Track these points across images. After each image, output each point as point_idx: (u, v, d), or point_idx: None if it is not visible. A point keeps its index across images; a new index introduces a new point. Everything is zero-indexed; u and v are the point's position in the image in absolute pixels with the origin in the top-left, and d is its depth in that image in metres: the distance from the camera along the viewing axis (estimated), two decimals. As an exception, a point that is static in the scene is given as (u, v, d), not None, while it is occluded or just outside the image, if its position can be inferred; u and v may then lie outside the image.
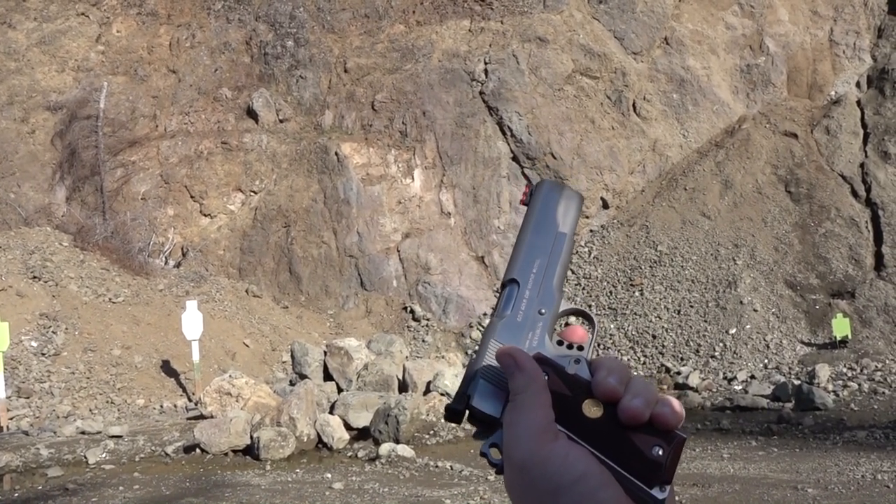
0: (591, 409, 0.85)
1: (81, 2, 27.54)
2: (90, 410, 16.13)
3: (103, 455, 12.17)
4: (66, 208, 24.27)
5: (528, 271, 0.98)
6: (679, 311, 20.71)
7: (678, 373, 18.68)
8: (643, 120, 25.26)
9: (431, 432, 13.09)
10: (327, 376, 15.35)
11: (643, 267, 22.22)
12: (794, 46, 26.33)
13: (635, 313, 21.13)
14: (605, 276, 22.64)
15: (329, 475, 10.62)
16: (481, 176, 24.40)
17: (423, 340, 22.23)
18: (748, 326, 19.76)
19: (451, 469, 10.82)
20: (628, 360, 20.02)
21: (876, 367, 17.19)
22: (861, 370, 17.14)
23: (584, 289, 22.60)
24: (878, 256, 20.88)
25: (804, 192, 22.68)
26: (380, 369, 14.77)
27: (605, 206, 24.42)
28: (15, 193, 24.30)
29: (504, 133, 24.65)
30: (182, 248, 24.15)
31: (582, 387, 0.87)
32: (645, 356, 19.99)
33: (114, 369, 17.46)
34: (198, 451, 12.24)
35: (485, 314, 23.05)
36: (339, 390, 14.81)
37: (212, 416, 13.47)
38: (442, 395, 13.95)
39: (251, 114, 25.74)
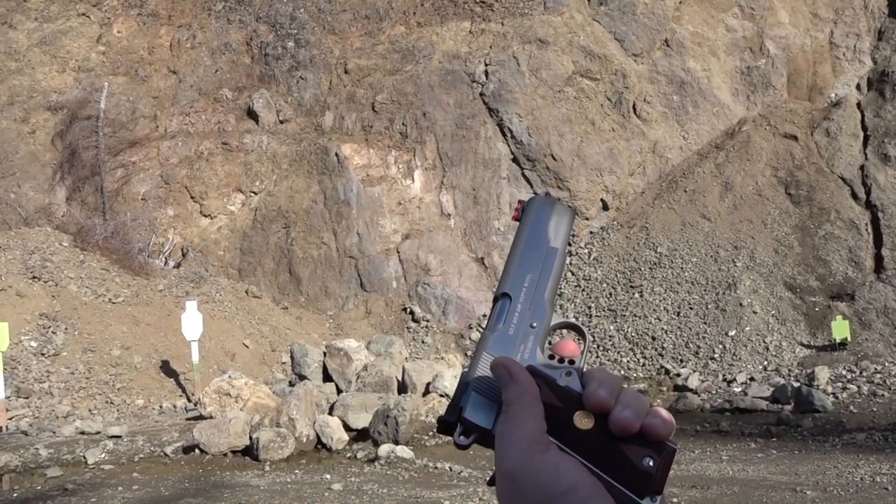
0: (583, 421, 0.86)
1: (82, 2, 27.55)
2: (89, 411, 16.13)
3: (102, 455, 12.17)
4: (67, 208, 24.28)
5: (520, 285, 0.98)
6: (679, 313, 20.72)
7: (678, 374, 18.69)
8: (643, 122, 25.27)
9: (430, 433, 13.10)
10: (327, 377, 15.35)
11: (643, 268, 22.22)
12: (795, 49, 26.34)
13: (635, 315, 21.13)
14: (604, 277, 22.64)
15: (328, 476, 10.63)
16: (481, 177, 24.40)
17: (423, 342, 22.24)
18: (748, 328, 19.77)
19: (450, 470, 10.83)
20: (628, 361, 20.03)
21: (875, 369, 17.19)
22: (860, 372, 17.15)
23: (583, 290, 22.61)
24: (878, 259, 20.88)
25: (804, 194, 22.69)
26: (379, 370, 14.78)
27: (605, 207, 24.42)
28: (15, 193, 24.31)
29: (504, 134, 24.66)
30: (182, 249, 24.16)
31: (573, 398, 0.88)
32: (644, 358, 20.00)
33: (113, 370, 17.46)
34: (197, 451, 12.24)
35: (484, 315, 23.05)
36: (339, 391, 14.81)
37: (211, 417, 13.47)
38: (441, 396, 13.96)
39: (251, 114, 25.76)
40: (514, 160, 24.56)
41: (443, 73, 25.33)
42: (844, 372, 17.30)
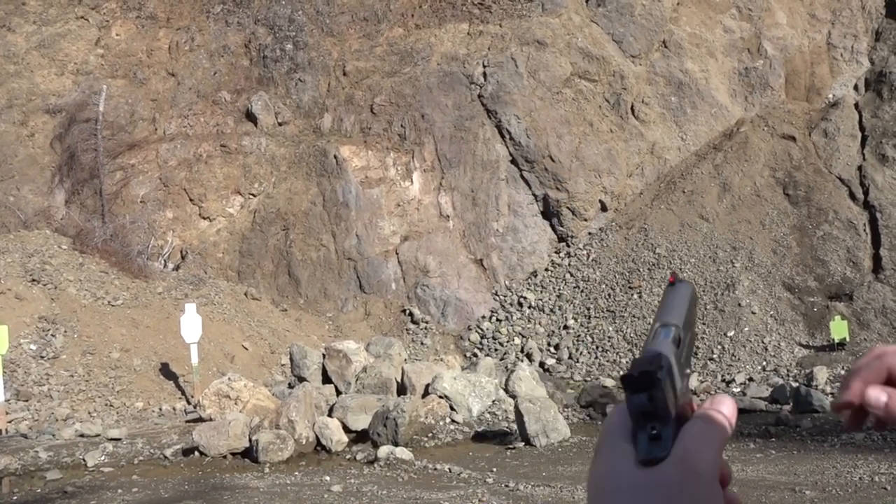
0: None
1: (81, 5, 27.57)
2: (89, 413, 16.13)
3: (102, 458, 12.18)
4: (66, 211, 24.28)
5: (687, 330, 0.94)
6: (677, 314, 20.70)
7: (676, 375, 18.68)
8: (641, 123, 25.30)
9: (430, 435, 13.11)
10: (326, 379, 15.36)
11: (641, 269, 22.24)
12: (792, 49, 26.38)
13: (634, 316, 21.15)
14: (603, 278, 22.66)
15: (328, 478, 10.64)
16: (480, 179, 24.43)
17: (422, 343, 22.25)
18: (746, 329, 19.79)
19: (450, 471, 10.84)
20: (626, 362, 20.04)
21: (874, 369, 17.19)
22: (859, 372, 17.14)
23: (582, 291, 22.63)
24: (876, 259, 20.92)
25: (802, 194, 22.72)
26: (378, 372, 14.79)
27: (604, 208, 24.45)
28: (14, 196, 24.32)
29: (503, 136, 24.69)
30: (181, 251, 24.17)
31: None
32: (643, 359, 20.00)
33: (113, 372, 17.46)
34: (196, 453, 12.25)
35: (483, 317, 23.07)
36: (338, 393, 14.82)
37: (210, 419, 13.47)
38: (440, 397, 13.97)
39: (250, 117, 25.77)
40: (513, 161, 24.59)
41: (441, 75, 25.36)
42: (843, 372, 17.31)
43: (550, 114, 24.77)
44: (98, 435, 13.72)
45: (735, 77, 26.30)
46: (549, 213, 24.39)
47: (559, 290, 22.98)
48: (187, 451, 12.43)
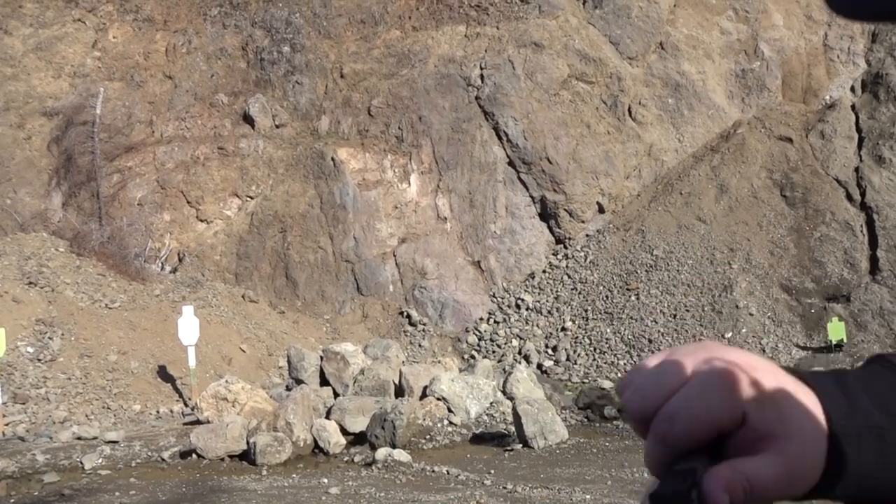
0: None
1: (78, 8, 27.55)
2: (86, 416, 16.11)
3: (99, 461, 12.16)
4: (63, 214, 24.25)
5: None
6: (675, 316, 20.75)
7: (674, 377, 18.69)
8: (639, 125, 25.32)
9: (428, 437, 13.10)
10: (324, 381, 15.35)
11: (639, 271, 22.26)
12: (789, 51, 26.42)
13: (631, 318, 21.16)
14: (601, 280, 22.67)
15: (325, 480, 10.63)
16: (477, 181, 24.43)
17: (420, 345, 22.25)
18: (744, 330, 19.81)
19: (448, 474, 10.83)
20: (624, 364, 20.05)
21: (871, 370, 17.23)
22: (856, 374, 17.17)
23: (580, 293, 22.63)
24: (873, 260, 20.94)
25: (799, 196, 22.75)
26: (376, 374, 14.78)
27: (601, 210, 24.46)
28: (11, 199, 24.29)
29: (500, 138, 24.70)
30: (178, 254, 24.15)
31: None
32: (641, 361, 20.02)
33: (110, 375, 17.44)
34: (194, 456, 12.23)
35: (481, 319, 23.07)
36: (336, 395, 14.81)
37: (208, 422, 13.46)
38: (438, 399, 13.97)
39: (247, 119, 25.76)
40: (510, 163, 24.60)
41: (438, 77, 25.37)
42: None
43: (548, 116, 24.79)
44: (95, 438, 13.71)
45: (732, 79, 26.33)
46: (547, 214, 24.39)
47: (557, 291, 22.98)
48: (185, 454, 12.41)
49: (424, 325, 22.83)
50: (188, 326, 17.31)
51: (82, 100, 25.36)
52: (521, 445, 12.55)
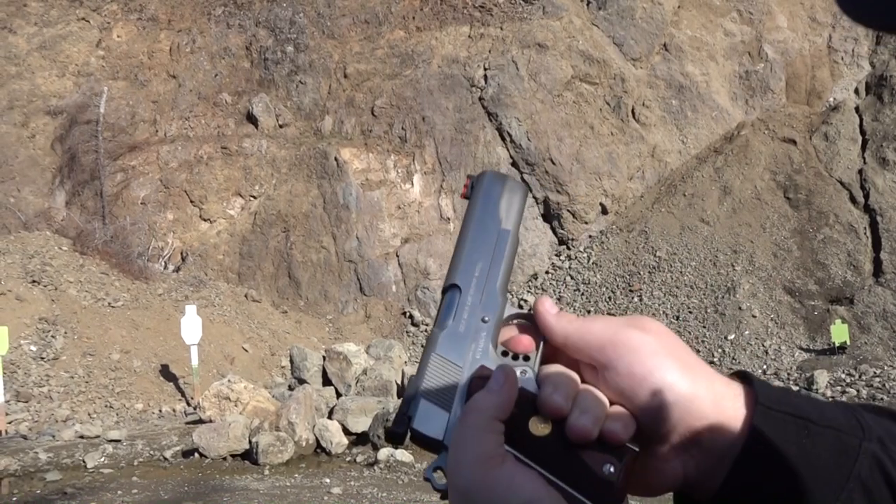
0: (538, 427, 0.81)
1: (82, 7, 27.59)
2: (89, 415, 16.13)
3: (102, 459, 12.17)
4: (66, 213, 24.29)
5: (470, 275, 0.89)
6: (678, 317, 20.73)
7: (677, 378, 18.68)
8: (642, 126, 25.31)
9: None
10: (326, 381, 15.35)
11: (642, 273, 22.24)
12: (793, 53, 26.40)
13: (634, 319, 21.13)
14: (603, 281, 22.66)
15: (327, 480, 10.63)
16: (480, 181, 24.41)
17: (422, 345, 22.25)
18: (747, 332, 19.79)
19: (450, 474, 10.81)
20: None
21: (874, 373, 17.21)
22: (859, 376, 17.16)
23: (582, 294, 22.62)
24: (877, 262, 20.91)
25: (803, 198, 22.72)
26: (378, 374, 14.78)
27: (604, 211, 24.45)
28: (15, 198, 24.33)
29: (503, 139, 24.70)
30: (181, 253, 24.17)
31: (528, 403, 0.82)
32: (644, 362, 20.01)
33: (113, 373, 17.46)
34: (196, 455, 12.24)
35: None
36: (338, 395, 14.81)
37: (210, 421, 13.47)
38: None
39: (251, 119, 25.79)
40: (514, 164, 24.59)
41: (442, 78, 25.37)
42: (843, 376, 17.31)
43: (551, 117, 24.78)
44: (98, 436, 13.72)
45: (736, 80, 26.31)
46: (550, 215, 24.39)
47: (559, 292, 22.98)
48: (187, 453, 12.43)
49: (427, 325, 22.83)
50: (191, 326, 17.33)
51: (86, 99, 25.40)
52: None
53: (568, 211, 24.22)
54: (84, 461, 12.05)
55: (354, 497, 9.63)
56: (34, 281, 19.05)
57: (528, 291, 23.38)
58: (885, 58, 25.71)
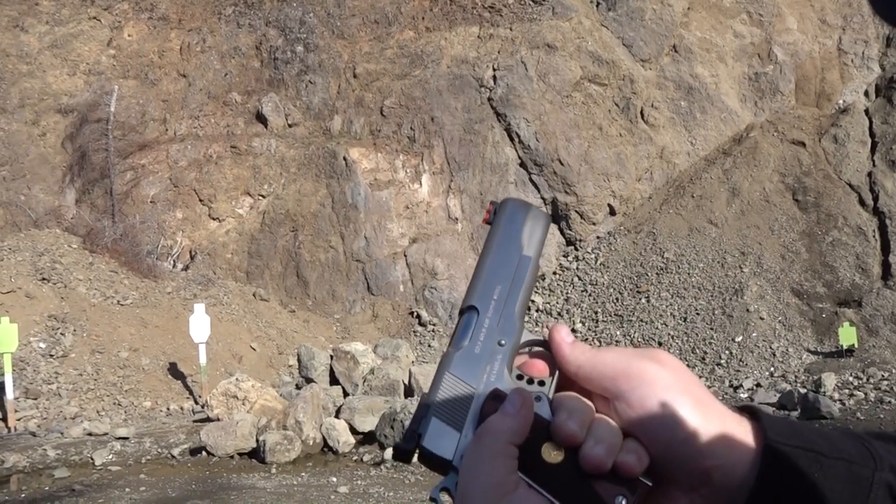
0: (551, 454, 0.80)
1: (93, 6, 27.71)
2: (97, 412, 16.21)
3: (110, 456, 12.24)
4: (76, 211, 24.40)
5: (489, 298, 0.90)
6: (685, 319, 20.71)
7: (684, 380, 18.64)
8: (651, 127, 25.29)
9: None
10: (333, 380, 15.40)
11: (650, 274, 22.22)
12: (803, 55, 26.33)
13: (641, 320, 21.13)
14: (611, 282, 22.65)
15: (334, 479, 10.67)
16: (489, 182, 24.44)
17: (430, 345, 22.27)
18: (754, 334, 19.75)
19: (456, 474, 10.83)
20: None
21: (882, 376, 17.16)
22: (867, 379, 17.11)
23: (590, 295, 22.62)
24: (886, 265, 20.86)
25: (811, 200, 22.67)
26: (386, 374, 14.82)
27: (612, 212, 24.44)
28: (25, 196, 24.45)
29: (512, 139, 24.70)
30: (190, 252, 24.25)
31: (542, 428, 0.82)
32: (651, 363, 19.98)
33: (121, 371, 17.54)
34: (204, 453, 12.30)
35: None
36: (345, 394, 14.86)
37: (218, 419, 13.53)
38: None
39: (260, 118, 25.86)
40: (522, 165, 24.60)
41: (451, 78, 25.39)
42: (851, 378, 17.26)
43: (560, 117, 24.78)
44: (106, 434, 13.80)
45: (745, 82, 26.26)
46: (558, 216, 24.39)
47: (567, 293, 22.98)
48: (195, 451, 12.48)
49: (434, 325, 22.86)
50: (199, 324, 17.39)
51: (97, 97, 25.51)
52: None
53: (576, 212, 24.22)
54: (92, 458, 12.12)
55: (361, 496, 9.67)
56: (44, 278, 19.14)
57: (536, 292, 23.38)
58: (895, 60, 25.64)
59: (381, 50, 26.41)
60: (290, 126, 25.82)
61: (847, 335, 18.58)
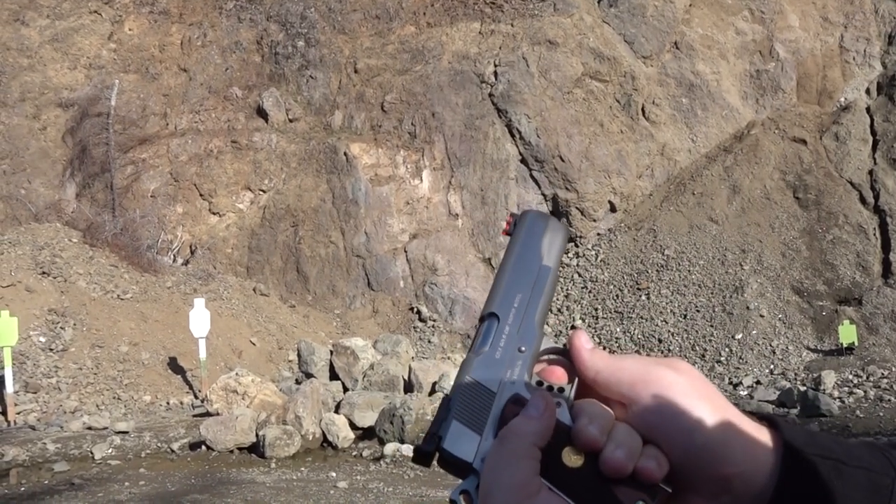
0: (572, 458, 0.81)
1: (94, 0, 27.67)
2: (97, 406, 16.21)
3: (109, 451, 12.24)
4: (76, 205, 24.39)
5: (510, 305, 0.91)
6: (685, 316, 20.71)
7: (683, 377, 18.66)
8: (652, 124, 25.27)
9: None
10: (333, 375, 15.40)
11: (650, 271, 22.22)
12: (804, 52, 26.31)
13: (641, 317, 21.14)
14: (611, 279, 22.65)
15: (334, 474, 10.67)
16: (489, 178, 24.43)
17: (429, 341, 22.28)
18: (754, 332, 19.76)
19: (455, 470, 10.84)
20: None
21: (882, 374, 17.17)
22: (867, 377, 17.12)
23: (590, 292, 22.62)
24: (886, 263, 20.86)
25: (812, 198, 22.66)
26: (385, 369, 14.82)
27: (613, 209, 24.43)
28: (26, 189, 24.44)
29: (513, 135, 24.69)
30: (190, 246, 24.25)
31: (562, 433, 0.82)
32: (650, 360, 20.00)
33: (121, 365, 17.54)
34: (203, 448, 12.30)
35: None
36: (345, 390, 14.86)
37: (218, 414, 13.53)
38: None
39: (261, 113, 25.83)
40: (523, 161, 24.59)
41: (452, 74, 25.37)
42: (851, 376, 17.27)
43: (561, 114, 24.76)
44: (106, 428, 13.80)
45: (746, 79, 26.24)
46: (559, 213, 24.38)
47: (567, 290, 22.98)
48: (194, 445, 12.48)
49: (434, 321, 22.87)
50: (199, 319, 17.38)
51: (97, 91, 25.49)
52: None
53: (576, 208, 24.21)
54: (92, 452, 12.12)
55: (360, 491, 9.67)
56: (44, 272, 19.14)
57: (536, 288, 23.33)
58: (897, 58, 25.63)
59: (382, 45, 26.39)
60: (290, 121, 25.80)
61: (847, 333, 18.59)
